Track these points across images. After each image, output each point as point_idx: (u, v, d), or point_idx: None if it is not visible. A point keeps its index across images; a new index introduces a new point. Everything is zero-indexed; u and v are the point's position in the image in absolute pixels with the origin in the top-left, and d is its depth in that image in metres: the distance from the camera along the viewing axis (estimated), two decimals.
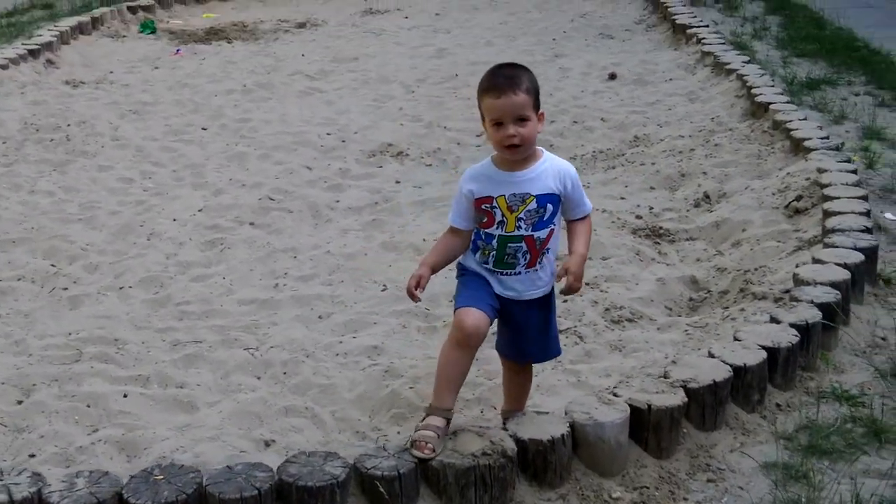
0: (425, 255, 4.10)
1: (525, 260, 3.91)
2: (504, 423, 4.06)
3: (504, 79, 3.82)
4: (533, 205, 3.86)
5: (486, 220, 3.92)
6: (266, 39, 12.59)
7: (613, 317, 5.38)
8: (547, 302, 4.08)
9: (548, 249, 3.94)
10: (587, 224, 4.02)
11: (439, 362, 3.97)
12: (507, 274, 3.94)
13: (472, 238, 4.01)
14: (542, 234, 3.90)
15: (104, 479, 3.71)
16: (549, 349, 4.21)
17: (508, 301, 3.98)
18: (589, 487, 3.97)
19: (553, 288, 4.07)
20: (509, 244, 3.90)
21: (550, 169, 3.90)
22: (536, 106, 3.85)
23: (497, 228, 3.90)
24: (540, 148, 3.95)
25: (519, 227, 3.87)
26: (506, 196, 3.87)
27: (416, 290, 3.94)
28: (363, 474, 3.77)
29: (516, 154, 3.85)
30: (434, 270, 4.02)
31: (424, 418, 3.94)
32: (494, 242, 3.91)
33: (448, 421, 3.93)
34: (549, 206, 3.88)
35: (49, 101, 9.74)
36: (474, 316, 3.85)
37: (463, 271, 4.06)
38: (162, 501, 3.59)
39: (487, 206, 3.89)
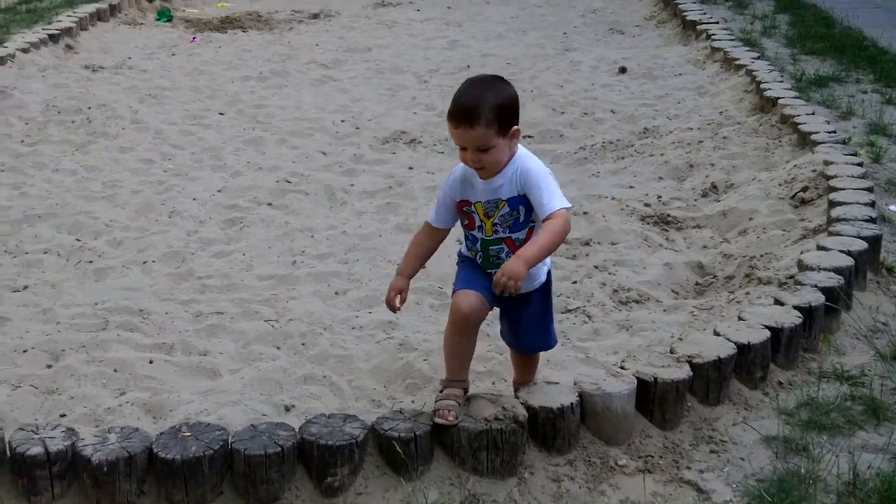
0: (401, 266, 4.17)
1: (509, 259, 3.87)
2: (516, 392, 4.22)
3: (464, 111, 3.73)
4: (505, 209, 3.91)
5: (467, 222, 4.01)
6: (280, 29, 12.75)
7: (621, 298, 5.54)
8: (541, 296, 4.15)
9: None
10: (551, 224, 3.80)
11: (445, 346, 4.12)
12: (495, 273, 3.89)
13: (464, 236, 4.11)
14: (521, 234, 3.94)
15: (135, 435, 3.88)
16: (544, 341, 4.30)
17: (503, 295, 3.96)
18: (596, 454, 4.13)
19: (549, 282, 4.15)
20: (491, 247, 3.99)
21: (517, 172, 3.88)
22: (507, 125, 3.78)
23: (478, 232, 3.99)
24: (518, 148, 3.92)
25: (496, 231, 3.95)
26: (482, 202, 3.93)
27: (396, 304, 4.08)
28: (381, 435, 3.94)
29: (482, 174, 3.88)
30: (411, 278, 4.15)
31: (443, 389, 4.10)
32: (478, 245, 4.01)
33: (465, 390, 4.11)
34: (521, 208, 3.91)
35: (70, 85, 9.92)
36: (470, 299, 3.94)
37: (462, 258, 4.16)
38: (190, 456, 3.75)
39: (468, 209, 3.98)
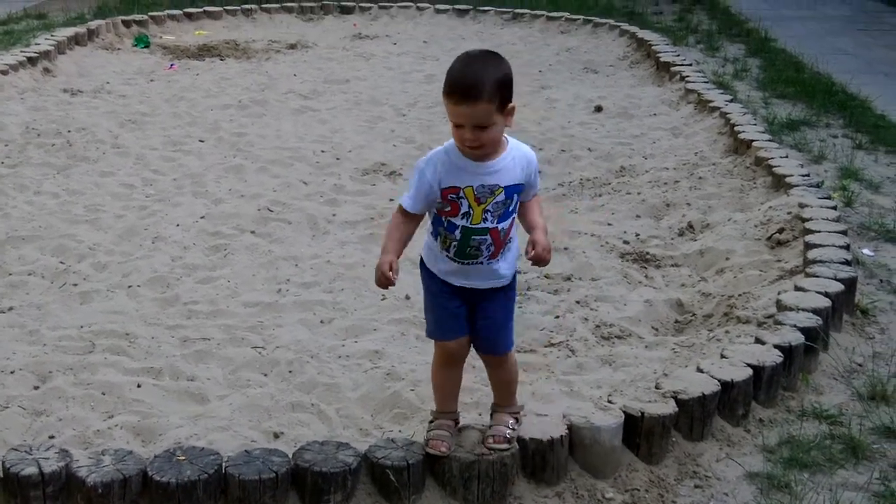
0: (386, 244, 3.89)
1: (489, 252, 3.83)
2: (491, 415, 4.24)
3: (466, 86, 3.60)
4: (501, 196, 3.77)
5: (449, 209, 3.79)
6: (258, 58, 12.81)
7: (604, 333, 5.62)
8: (508, 291, 4.00)
9: (511, 239, 3.88)
10: (538, 200, 3.98)
11: (433, 380, 4.18)
12: (468, 264, 3.85)
13: (433, 222, 3.89)
14: (506, 224, 3.83)
15: (129, 458, 3.91)
16: (506, 340, 4.07)
17: (470, 291, 3.92)
18: (583, 487, 4.20)
19: (514, 278, 4.01)
20: (473, 236, 3.80)
21: (518, 158, 3.82)
22: (505, 102, 3.67)
23: (462, 219, 3.78)
24: (505, 137, 3.83)
25: (486, 220, 3.78)
26: (474, 187, 3.75)
27: (390, 273, 3.80)
28: (374, 463, 3.99)
29: (477, 154, 3.74)
30: (399, 257, 3.90)
31: (433, 420, 4.16)
32: (457, 233, 3.81)
33: (456, 422, 4.17)
34: (515, 197, 3.82)
35: (49, 108, 9.94)
36: (453, 342, 4.01)
37: (426, 273, 4.01)
38: (185, 480, 3.79)
39: (454, 196, 3.76)
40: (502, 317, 4.02)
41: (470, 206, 3.77)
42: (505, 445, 4.05)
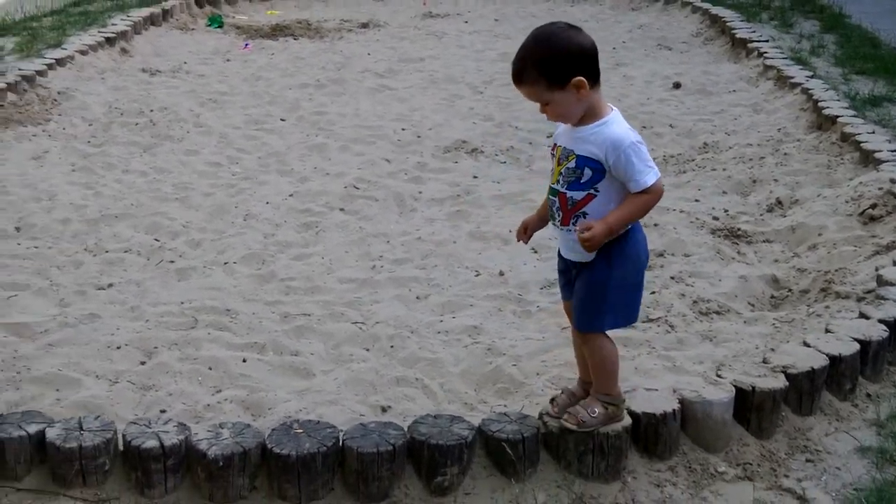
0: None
1: (559, 216, 3.85)
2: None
3: (513, 71, 3.76)
4: (572, 163, 3.76)
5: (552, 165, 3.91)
6: (331, 38, 12.83)
7: (701, 309, 5.59)
8: (594, 272, 3.88)
9: (584, 213, 3.79)
10: (641, 198, 3.74)
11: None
12: (553, 225, 3.94)
13: None
14: (577, 195, 3.78)
15: (247, 431, 3.95)
16: (584, 319, 3.97)
17: (563, 257, 4.00)
18: (696, 461, 4.19)
19: (609, 265, 3.85)
20: (549, 195, 3.89)
21: (599, 134, 3.72)
22: (559, 78, 3.65)
23: (550, 176, 3.90)
24: (610, 107, 3.80)
25: (558, 182, 3.82)
26: (562, 147, 3.82)
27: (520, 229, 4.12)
28: (488, 437, 4.00)
29: (559, 121, 3.84)
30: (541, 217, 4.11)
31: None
32: (548, 190, 3.95)
33: (573, 392, 4.18)
34: (587, 171, 3.74)
35: (129, 88, 10.04)
36: (564, 302, 4.13)
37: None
38: (304, 452, 3.82)
39: (552, 151, 3.90)
40: (583, 295, 3.93)
41: (553, 164, 3.87)
42: (573, 427, 3.99)
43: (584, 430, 4.00)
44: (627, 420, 4.09)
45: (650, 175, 3.72)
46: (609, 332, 3.99)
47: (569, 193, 3.80)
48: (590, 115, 3.75)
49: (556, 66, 3.65)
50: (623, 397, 4.11)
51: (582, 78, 3.66)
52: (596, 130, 3.73)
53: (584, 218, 3.78)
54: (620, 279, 3.89)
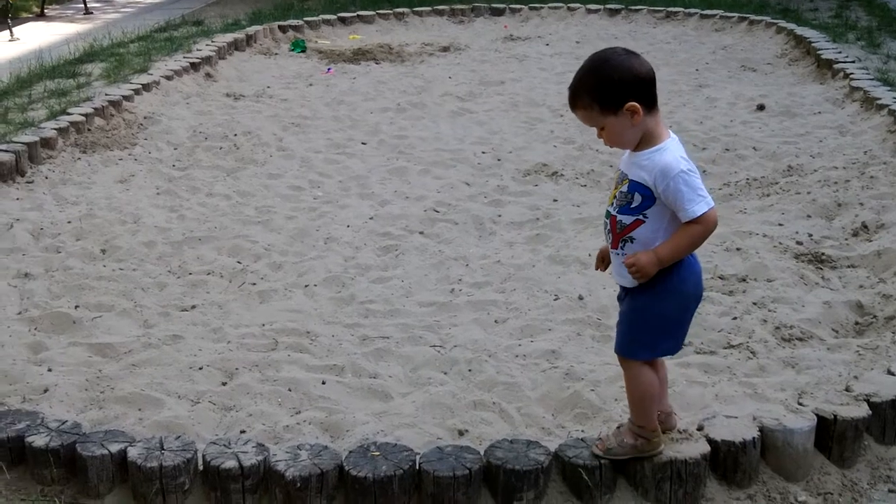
0: None
1: (609, 238, 3.87)
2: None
3: (568, 94, 3.80)
4: (625, 187, 3.77)
5: None
6: (412, 62, 12.92)
7: (784, 335, 5.51)
8: (637, 298, 3.86)
9: (631, 238, 3.78)
10: (692, 229, 3.70)
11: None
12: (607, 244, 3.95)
13: None
14: (626, 219, 3.78)
15: (325, 452, 3.98)
16: (622, 343, 3.96)
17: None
18: (775, 490, 4.14)
19: (651, 294, 3.83)
20: (605, 217, 3.91)
21: (651, 161, 3.71)
22: (612, 103, 3.65)
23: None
24: (668, 133, 3.78)
25: (612, 204, 3.83)
26: (620, 171, 3.84)
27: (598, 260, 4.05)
28: (564, 462, 3.99)
29: (614, 147, 3.84)
30: None
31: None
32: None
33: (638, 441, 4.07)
34: (638, 196, 3.74)
35: (213, 112, 10.20)
36: None
37: None
38: (381, 475, 3.84)
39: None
40: (624, 320, 3.93)
41: (612, 187, 3.89)
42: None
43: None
44: (706, 447, 4.05)
45: (701, 204, 3.68)
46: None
47: (619, 217, 3.81)
48: (646, 140, 3.75)
49: (610, 91, 3.66)
50: (658, 432, 4.03)
51: (635, 103, 3.66)
52: (649, 156, 3.73)
53: (632, 243, 3.79)
54: (660, 312, 3.86)
